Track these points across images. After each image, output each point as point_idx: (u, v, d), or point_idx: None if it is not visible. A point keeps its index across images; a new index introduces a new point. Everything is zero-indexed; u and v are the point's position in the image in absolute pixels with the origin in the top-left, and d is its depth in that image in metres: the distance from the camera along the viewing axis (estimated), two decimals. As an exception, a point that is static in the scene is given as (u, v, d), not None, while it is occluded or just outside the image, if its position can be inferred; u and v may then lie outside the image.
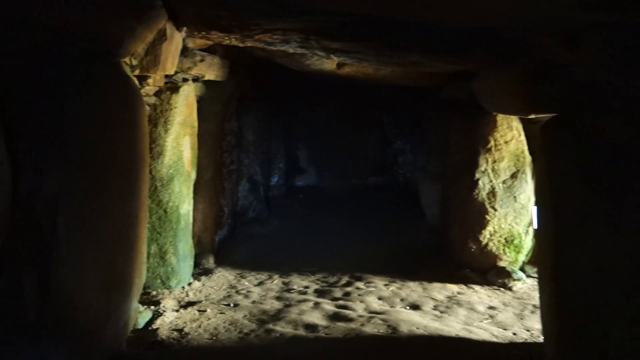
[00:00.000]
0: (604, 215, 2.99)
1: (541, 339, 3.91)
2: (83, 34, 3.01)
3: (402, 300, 4.96)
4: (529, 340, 4.13)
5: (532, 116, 4.12)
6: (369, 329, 4.10)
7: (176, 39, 4.20)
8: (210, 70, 5.03)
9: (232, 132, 6.32)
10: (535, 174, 3.59)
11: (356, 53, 4.13)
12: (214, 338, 3.83)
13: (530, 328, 4.38)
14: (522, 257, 5.66)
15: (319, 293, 5.06)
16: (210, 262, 5.57)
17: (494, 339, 4.10)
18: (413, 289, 5.27)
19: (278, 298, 4.83)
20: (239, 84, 6.14)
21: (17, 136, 2.79)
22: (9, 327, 2.64)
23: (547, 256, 3.35)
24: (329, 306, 4.62)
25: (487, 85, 4.41)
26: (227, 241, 6.35)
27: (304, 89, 10.33)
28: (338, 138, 11.28)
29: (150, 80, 4.17)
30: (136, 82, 3.76)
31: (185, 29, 4.36)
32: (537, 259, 3.72)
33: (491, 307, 4.88)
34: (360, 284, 5.36)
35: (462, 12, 2.87)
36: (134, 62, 3.81)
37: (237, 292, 4.93)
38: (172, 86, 4.57)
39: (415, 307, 4.80)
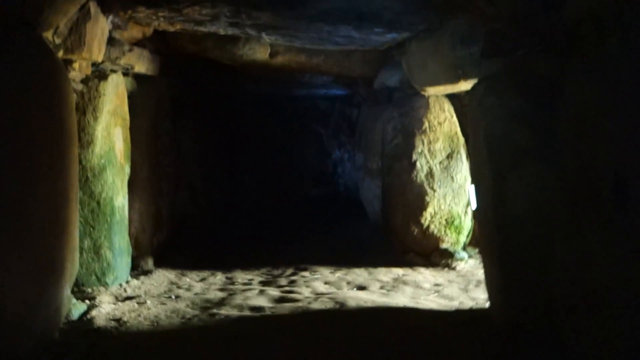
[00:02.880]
0: (538, 155, 3.07)
1: (487, 305, 3.96)
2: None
3: (348, 283, 4.92)
4: (475, 307, 4.17)
5: (462, 84, 4.23)
6: (316, 305, 4.02)
7: (101, 23, 4.09)
8: (140, 62, 4.92)
9: (167, 133, 6.16)
10: (470, 127, 3.66)
11: (286, 29, 4.14)
12: (155, 324, 3.65)
13: (475, 298, 4.42)
14: (463, 239, 5.76)
15: (264, 283, 4.95)
16: (149, 263, 5.34)
17: (441, 308, 4.11)
18: (359, 274, 5.25)
19: (222, 289, 4.68)
20: (171, 83, 6.03)
21: None
22: None
23: (488, 206, 3.40)
24: (274, 292, 4.51)
25: (418, 57, 4.51)
26: (167, 245, 6.13)
27: (241, 103, 10.32)
28: (278, 151, 11.30)
29: (76, 65, 4.01)
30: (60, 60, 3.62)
31: (111, 16, 4.28)
32: (478, 214, 3.76)
33: (436, 284, 4.91)
34: (305, 273, 5.30)
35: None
36: (57, 41, 3.67)
37: (178, 287, 4.75)
38: (100, 74, 4.42)
39: (361, 288, 4.76)
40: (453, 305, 4.21)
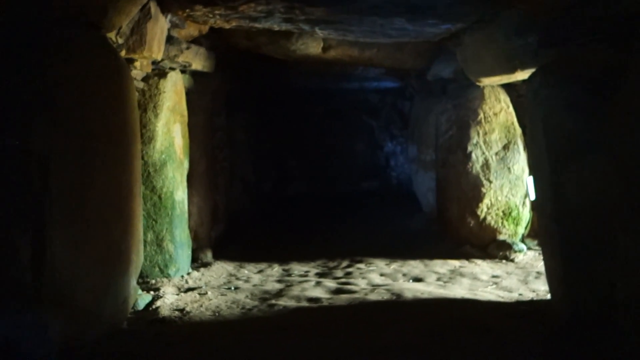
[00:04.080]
0: (597, 146, 2.98)
1: (548, 297, 3.87)
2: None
3: (404, 275, 4.91)
4: (535, 299, 4.08)
5: (518, 74, 4.14)
6: (373, 297, 4.04)
7: (161, 22, 4.21)
8: (197, 59, 5.04)
9: (222, 128, 6.31)
10: (527, 117, 3.58)
11: (339, 23, 4.16)
12: (217, 314, 3.76)
13: (535, 290, 4.34)
14: (522, 230, 5.64)
15: (320, 275, 5.01)
16: (208, 256, 5.49)
17: (500, 299, 4.05)
18: (414, 266, 5.23)
19: (279, 281, 4.76)
20: (226, 79, 6.14)
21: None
22: (5, 288, 2.57)
23: (546, 197, 3.33)
24: (331, 283, 4.56)
25: (473, 49, 4.45)
26: (224, 238, 6.29)
27: (291, 96, 10.40)
28: (328, 144, 11.31)
29: (137, 64, 4.16)
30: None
31: (169, 15, 4.40)
32: (537, 205, 3.68)
33: (495, 276, 4.84)
34: (361, 265, 5.32)
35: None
36: (120, 41, 3.81)
37: (237, 278, 4.87)
38: (159, 72, 4.57)
39: (418, 280, 4.75)
40: (512, 297, 4.15)
